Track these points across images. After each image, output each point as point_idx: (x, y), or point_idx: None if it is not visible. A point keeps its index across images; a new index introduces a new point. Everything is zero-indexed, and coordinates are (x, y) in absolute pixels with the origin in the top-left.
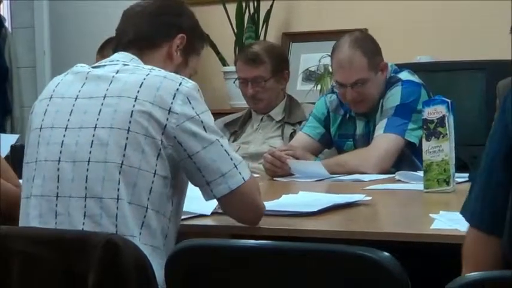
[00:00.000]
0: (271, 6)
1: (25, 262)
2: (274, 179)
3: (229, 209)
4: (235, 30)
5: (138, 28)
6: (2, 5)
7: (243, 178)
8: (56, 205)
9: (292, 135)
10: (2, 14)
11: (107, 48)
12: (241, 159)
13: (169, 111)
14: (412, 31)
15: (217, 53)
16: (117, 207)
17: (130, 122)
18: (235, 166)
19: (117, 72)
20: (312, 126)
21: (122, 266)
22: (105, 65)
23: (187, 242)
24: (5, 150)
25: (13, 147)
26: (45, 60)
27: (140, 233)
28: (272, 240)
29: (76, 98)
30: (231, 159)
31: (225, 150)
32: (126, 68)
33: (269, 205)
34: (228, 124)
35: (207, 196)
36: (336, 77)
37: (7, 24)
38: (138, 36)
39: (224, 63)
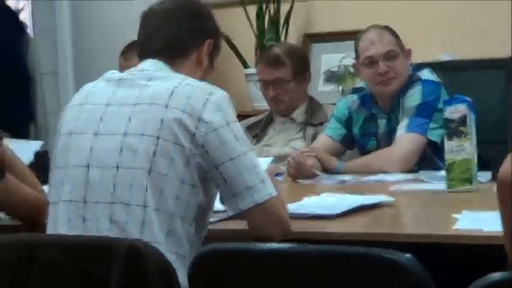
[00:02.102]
0: (292, 7)
1: (47, 268)
2: (297, 181)
3: (254, 224)
4: (256, 33)
5: (166, 35)
6: (23, 11)
7: (269, 193)
8: (84, 210)
9: (314, 137)
10: (23, 19)
11: (130, 51)
12: (267, 176)
13: (199, 119)
14: (433, 29)
15: (239, 55)
16: (144, 214)
17: (160, 129)
18: (262, 181)
19: (149, 80)
20: (334, 127)
21: (145, 272)
22: (136, 73)
23: (210, 247)
24: (29, 157)
25: (37, 154)
26: (68, 66)
27: (166, 240)
28: (295, 242)
29: (107, 105)
30: (258, 173)
31: (253, 164)
32: (157, 76)
33: (292, 207)
34: (249, 127)
35: (232, 209)
36: (367, 53)
37: (29, 29)
38: (167, 44)
39: (245, 65)
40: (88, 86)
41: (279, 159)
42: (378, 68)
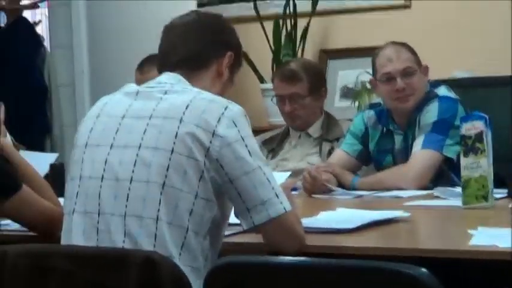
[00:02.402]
0: (309, 23)
1: (63, 279)
2: (312, 195)
3: (269, 238)
4: (273, 48)
5: (187, 47)
6: (40, 24)
7: (284, 208)
8: (98, 222)
9: (330, 152)
10: (41, 33)
11: (147, 65)
12: (282, 190)
13: (214, 134)
14: (449, 46)
15: (255, 70)
16: (156, 228)
17: (174, 143)
18: (277, 195)
19: (165, 93)
20: (350, 143)
21: (161, 284)
22: (153, 87)
23: (225, 259)
24: (45, 169)
25: (52, 166)
26: (84, 79)
27: (180, 254)
28: (309, 256)
29: (123, 117)
30: (273, 188)
31: (267, 179)
32: (174, 90)
33: (307, 222)
34: (266, 141)
35: (247, 224)
36: (384, 70)
37: (46, 43)
38: (187, 55)
39: (262, 80)
40: (105, 99)
41: (295, 173)
42: (395, 84)
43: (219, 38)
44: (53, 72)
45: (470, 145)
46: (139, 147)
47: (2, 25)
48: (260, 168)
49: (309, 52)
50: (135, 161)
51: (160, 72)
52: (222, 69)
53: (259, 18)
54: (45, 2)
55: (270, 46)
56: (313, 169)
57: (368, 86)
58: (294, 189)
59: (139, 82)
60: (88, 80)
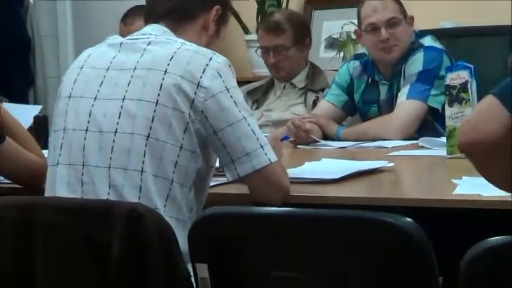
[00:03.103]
0: None
1: (49, 231)
2: (297, 146)
3: (254, 189)
4: None
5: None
6: None
7: (269, 159)
8: (82, 174)
9: (315, 102)
10: None
11: (130, 17)
12: (267, 142)
13: (198, 85)
14: None
15: (240, 21)
16: (141, 179)
17: (159, 94)
18: (261, 146)
19: (149, 44)
20: (335, 93)
21: (146, 235)
22: (137, 38)
23: (210, 210)
24: (28, 121)
25: (36, 118)
26: (68, 29)
27: (165, 206)
28: (294, 207)
29: (107, 69)
30: (257, 139)
31: (252, 130)
32: (158, 41)
33: (292, 172)
34: (250, 92)
35: (231, 175)
36: (369, 20)
37: None
38: (173, 7)
39: (246, 31)
40: (89, 50)
41: (279, 124)
42: (379, 34)
43: None
44: (35, 23)
45: (455, 95)
46: (124, 99)
47: None
48: (245, 119)
49: (294, 3)
50: (120, 113)
51: (146, 22)
52: (208, 23)
53: None
54: None
55: None
56: (296, 119)
57: (353, 36)
58: (286, 137)
59: (123, 33)
60: (71, 30)
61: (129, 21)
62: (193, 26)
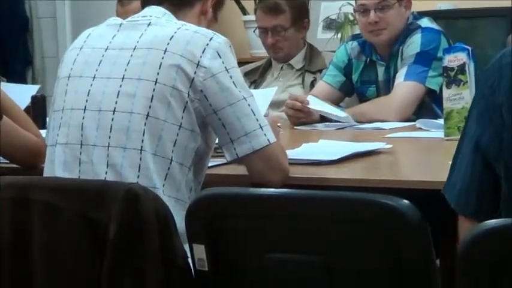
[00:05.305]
0: None
1: (46, 211)
2: (295, 127)
3: (252, 170)
4: None
5: None
6: None
7: (268, 140)
8: (80, 153)
9: (312, 83)
10: None
11: None
12: (267, 122)
13: (198, 64)
14: None
15: (238, 1)
16: (140, 158)
17: (158, 74)
18: (261, 127)
19: (149, 24)
20: (332, 74)
21: (143, 215)
22: (137, 20)
23: (208, 191)
24: (26, 101)
25: (34, 98)
26: (66, 10)
27: (164, 185)
28: (292, 188)
29: (106, 49)
30: (257, 119)
31: (252, 110)
32: (158, 22)
33: (290, 153)
34: (248, 73)
35: (230, 155)
36: (360, 1)
37: None
38: None
39: (244, 12)
40: (89, 31)
41: (277, 105)
42: (369, 17)
43: None
44: (33, 3)
45: (453, 77)
46: (123, 78)
47: None
48: (245, 100)
49: None
50: (119, 92)
51: (143, 5)
52: (207, 8)
53: None
54: None
55: None
56: (293, 97)
57: (351, 17)
58: None
59: (120, 14)
60: (69, 11)
61: (125, 2)
62: (192, 10)
